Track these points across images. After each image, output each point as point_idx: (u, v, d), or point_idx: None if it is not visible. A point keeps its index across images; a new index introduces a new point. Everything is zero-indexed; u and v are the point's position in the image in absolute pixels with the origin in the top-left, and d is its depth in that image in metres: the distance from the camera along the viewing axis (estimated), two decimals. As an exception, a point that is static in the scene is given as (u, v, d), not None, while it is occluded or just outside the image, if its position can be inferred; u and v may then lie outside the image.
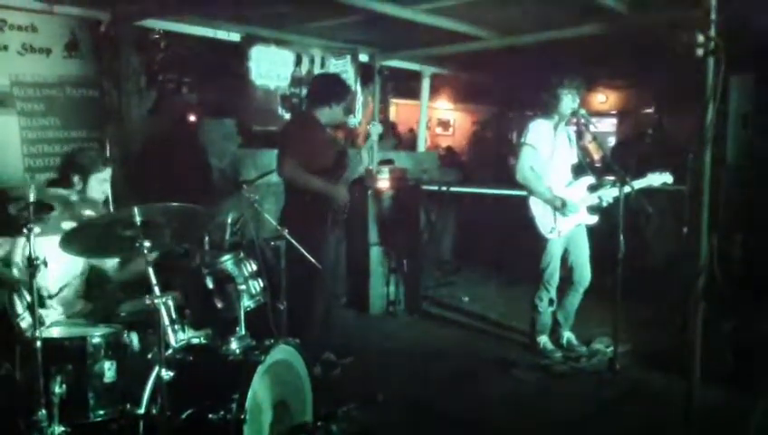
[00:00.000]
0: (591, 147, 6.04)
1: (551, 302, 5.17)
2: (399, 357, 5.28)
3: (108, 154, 5.08)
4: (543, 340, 5.21)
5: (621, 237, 4.60)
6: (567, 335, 5.28)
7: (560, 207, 4.94)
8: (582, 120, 4.97)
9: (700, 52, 3.37)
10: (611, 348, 4.86)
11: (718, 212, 3.59)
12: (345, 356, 4.96)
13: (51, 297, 3.45)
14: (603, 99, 11.97)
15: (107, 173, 3.68)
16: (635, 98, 11.56)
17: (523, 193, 5.10)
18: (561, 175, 5.12)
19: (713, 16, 3.33)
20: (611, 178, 5.01)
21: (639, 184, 4.82)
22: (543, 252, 5.07)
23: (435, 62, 8.45)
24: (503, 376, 4.87)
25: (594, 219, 5.13)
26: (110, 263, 3.78)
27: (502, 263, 7.27)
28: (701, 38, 3.40)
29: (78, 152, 3.86)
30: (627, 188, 4.64)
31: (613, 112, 12.20)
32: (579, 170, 5.21)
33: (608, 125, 12.07)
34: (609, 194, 5.00)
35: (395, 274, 6.54)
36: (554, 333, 5.29)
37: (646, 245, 6.21)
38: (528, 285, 5.27)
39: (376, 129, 5.05)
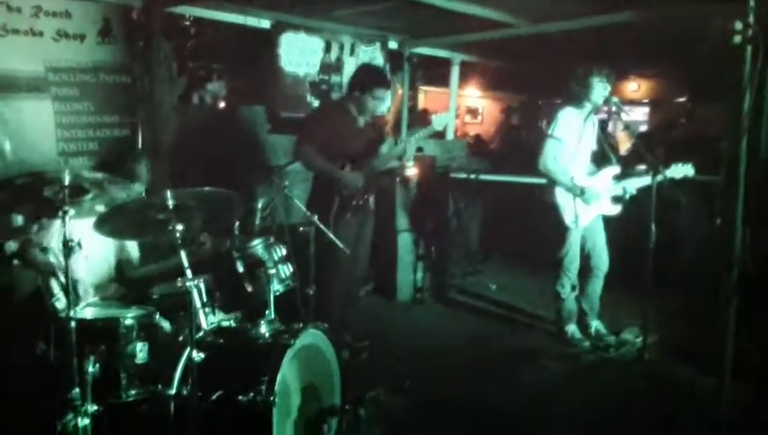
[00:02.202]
0: (622, 136, 5.96)
1: (573, 288, 5.16)
2: (427, 344, 5.29)
3: (140, 139, 5.17)
4: (572, 329, 5.19)
5: (653, 227, 4.58)
6: (595, 324, 5.25)
7: (579, 195, 4.92)
8: (614, 109, 4.93)
9: (737, 39, 3.31)
10: (640, 339, 4.84)
11: (752, 204, 3.52)
12: (362, 340, 5.00)
13: (87, 292, 3.51)
14: (635, 87, 11.81)
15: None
16: (668, 87, 11.39)
17: (551, 181, 5.08)
18: (584, 164, 5.09)
19: (751, 2, 3.26)
20: (643, 167, 4.97)
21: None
22: (562, 240, 5.06)
23: (464, 50, 8.40)
24: (530, 365, 4.86)
25: (617, 209, 5.09)
26: (133, 256, 3.85)
27: (530, 251, 7.21)
28: (738, 25, 3.34)
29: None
30: (659, 177, 4.61)
31: (645, 101, 12.05)
32: (604, 160, 5.17)
33: (640, 114, 11.92)
34: (633, 184, 4.96)
35: (423, 261, 6.54)
36: (581, 323, 5.27)
37: (677, 235, 6.13)
38: (555, 273, 5.24)
39: (440, 120, 4.94)
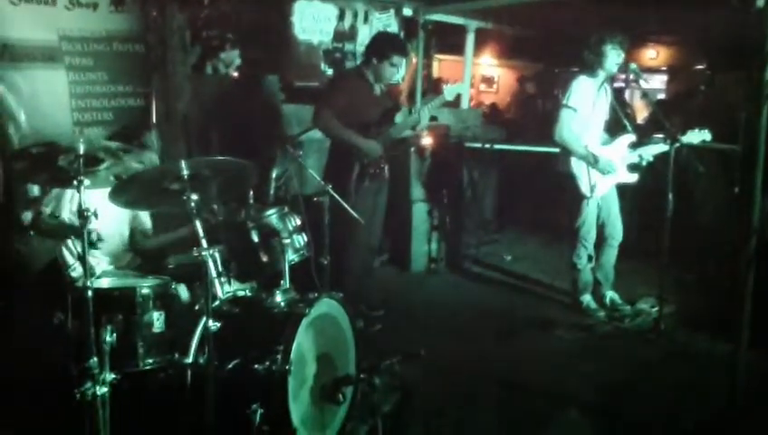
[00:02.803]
0: (640, 104, 5.87)
1: (589, 258, 5.15)
2: (441, 314, 5.30)
3: (154, 108, 5.15)
4: (587, 299, 5.19)
5: (670, 196, 4.55)
6: (610, 295, 5.24)
7: (592, 163, 4.87)
8: (633, 76, 4.86)
9: (760, 3, 3.23)
10: (656, 309, 4.83)
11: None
12: (377, 309, 5.01)
13: (100, 240, 3.50)
14: (654, 55, 11.64)
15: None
16: (687, 54, 11.21)
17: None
18: (597, 133, 5.05)
19: (775, -36, 3.18)
20: (660, 136, 4.92)
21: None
22: (579, 210, 5.03)
23: (479, 16, 8.29)
24: (545, 335, 4.86)
25: (634, 177, 5.06)
26: (146, 226, 3.85)
27: (545, 221, 7.20)
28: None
29: None
30: (676, 145, 4.58)
31: (663, 69, 11.87)
32: (618, 128, 5.12)
33: (658, 82, 11.76)
34: (649, 151, 4.93)
35: (437, 231, 6.53)
36: (596, 293, 5.26)
37: (694, 204, 6.08)
38: (571, 243, 5.22)
39: (451, 90, 4.94)
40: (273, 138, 5.75)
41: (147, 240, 3.88)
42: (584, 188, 4.94)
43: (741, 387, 3.40)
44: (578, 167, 4.94)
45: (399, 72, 7.21)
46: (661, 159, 4.85)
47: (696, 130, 4.86)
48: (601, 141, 5.06)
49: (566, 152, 4.96)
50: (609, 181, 4.99)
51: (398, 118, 4.83)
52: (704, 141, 4.89)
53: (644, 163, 4.99)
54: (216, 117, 5.67)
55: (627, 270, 5.42)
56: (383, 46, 4.80)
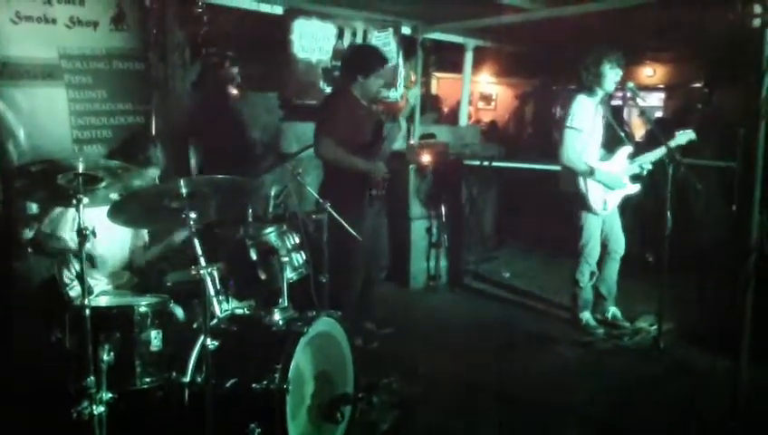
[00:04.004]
0: (638, 122, 5.89)
1: (592, 275, 5.14)
2: (441, 331, 5.29)
3: (153, 126, 5.16)
4: (586, 316, 5.18)
5: (669, 214, 4.56)
6: (612, 310, 5.24)
7: (589, 175, 4.89)
8: (630, 94, 4.88)
9: (757, 22, 3.26)
10: (656, 327, 4.82)
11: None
12: (384, 327, 4.99)
13: (101, 263, 3.50)
14: (651, 72, 11.69)
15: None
16: (684, 71, 11.26)
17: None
18: (596, 149, 5.07)
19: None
20: (656, 151, 4.94)
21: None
22: (585, 228, 5.03)
23: (478, 35, 8.34)
24: (544, 352, 4.85)
25: (637, 188, 5.10)
26: (144, 240, 3.85)
27: (543, 238, 7.21)
28: (758, 8, 3.29)
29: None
30: (667, 150, 4.61)
31: (661, 86, 11.92)
32: (615, 142, 5.13)
33: (655, 100, 11.80)
34: (647, 159, 4.96)
35: (436, 248, 6.52)
36: (599, 308, 5.26)
37: (693, 222, 6.09)
38: (571, 260, 5.22)
39: (414, 93, 4.93)
40: (271, 155, 5.76)
41: (144, 254, 3.88)
42: (596, 205, 4.94)
43: (742, 402, 3.39)
44: (586, 184, 4.93)
45: (398, 89, 7.27)
46: (660, 174, 4.85)
47: (682, 132, 4.89)
48: (599, 157, 5.07)
49: (572, 172, 4.96)
50: (618, 195, 5.03)
51: (389, 126, 4.83)
52: (690, 141, 4.90)
53: (644, 173, 5.02)
54: (215, 134, 5.68)
55: (626, 287, 5.41)
56: (368, 61, 4.69)
